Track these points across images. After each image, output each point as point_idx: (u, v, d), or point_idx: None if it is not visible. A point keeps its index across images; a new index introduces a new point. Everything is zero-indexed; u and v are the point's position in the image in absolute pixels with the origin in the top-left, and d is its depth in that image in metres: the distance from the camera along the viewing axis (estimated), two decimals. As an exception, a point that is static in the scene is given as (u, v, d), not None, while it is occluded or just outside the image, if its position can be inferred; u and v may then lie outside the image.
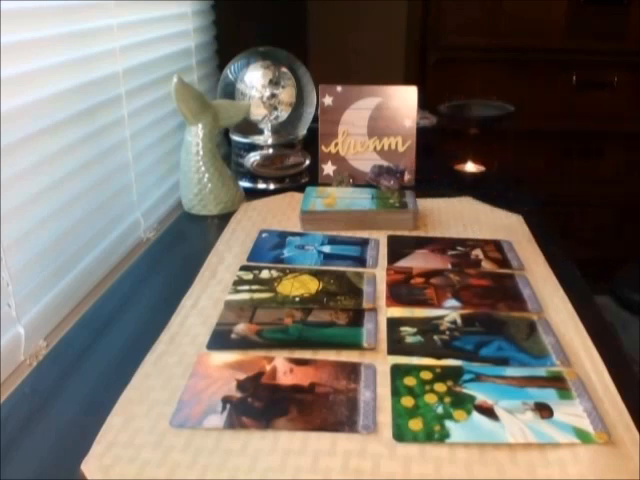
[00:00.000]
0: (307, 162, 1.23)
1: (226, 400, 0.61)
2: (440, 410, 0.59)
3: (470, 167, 1.25)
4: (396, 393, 0.62)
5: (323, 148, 1.21)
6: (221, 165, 1.09)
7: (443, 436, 0.56)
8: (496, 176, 1.25)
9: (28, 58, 0.75)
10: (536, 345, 0.70)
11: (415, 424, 0.57)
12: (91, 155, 0.90)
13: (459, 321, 0.75)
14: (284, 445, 0.56)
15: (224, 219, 1.06)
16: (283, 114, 1.21)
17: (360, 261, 0.90)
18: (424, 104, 1.42)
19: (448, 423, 0.58)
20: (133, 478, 0.52)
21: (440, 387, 0.63)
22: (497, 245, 0.95)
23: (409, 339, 0.71)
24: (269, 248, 0.95)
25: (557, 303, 0.79)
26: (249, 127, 1.21)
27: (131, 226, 1.03)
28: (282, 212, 1.09)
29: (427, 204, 1.10)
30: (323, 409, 0.60)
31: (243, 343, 0.71)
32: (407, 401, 0.61)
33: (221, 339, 0.71)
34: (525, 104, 1.50)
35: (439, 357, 0.68)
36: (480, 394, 0.61)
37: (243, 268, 0.88)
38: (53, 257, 0.80)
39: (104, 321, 0.77)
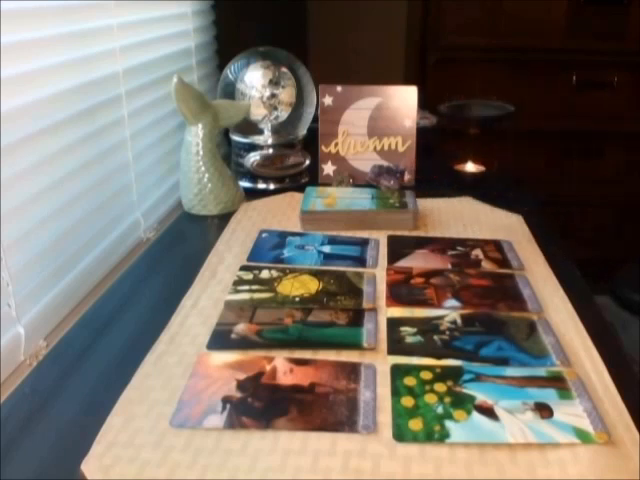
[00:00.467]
0: (307, 162, 1.23)
1: (226, 400, 0.61)
2: (440, 410, 0.59)
3: (470, 167, 1.25)
4: (396, 393, 0.62)
5: (323, 148, 1.21)
6: (221, 165, 1.09)
7: (443, 436, 0.56)
8: (496, 176, 1.25)
9: (28, 58, 0.75)
10: (536, 345, 0.70)
11: (415, 424, 0.57)
12: (91, 155, 0.90)
13: (459, 321, 0.75)
14: (284, 445, 0.56)
15: (224, 219, 1.06)
16: (283, 114, 1.21)
17: (360, 261, 0.90)
18: (424, 104, 1.42)
19: (448, 423, 0.58)
20: (133, 478, 0.52)
21: (440, 387, 0.63)
22: (497, 245, 0.95)
23: (409, 339, 0.71)
24: (269, 248, 0.95)
25: (557, 303, 0.79)
26: (249, 127, 1.21)
27: (131, 226, 1.03)
28: (282, 212, 1.09)
29: (427, 204, 1.10)
30: (323, 409, 0.60)
31: (243, 343, 0.71)
32: (407, 401, 0.61)
33: (221, 339, 0.71)
34: (525, 104, 1.50)
35: (439, 357, 0.68)
36: (480, 394, 0.61)
37: (243, 268, 0.88)
38: (53, 257, 0.81)
39: (104, 321, 0.77)
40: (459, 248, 0.94)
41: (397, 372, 0.65)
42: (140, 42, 1.05)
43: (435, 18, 2.00)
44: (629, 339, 1.56)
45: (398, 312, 0.77)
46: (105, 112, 0.94)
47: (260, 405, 0.60)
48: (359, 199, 1.07)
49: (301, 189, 1.13)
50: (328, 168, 1.22)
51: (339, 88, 1.20)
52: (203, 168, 1.06)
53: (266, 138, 1.20)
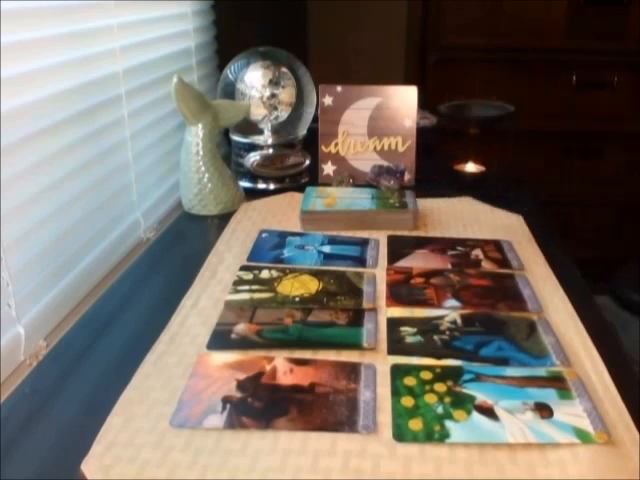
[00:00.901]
0: (307, 162, 1.23)
1: (226, 400, 0.61)
2: (440, 410, 0.59)
3: (470, 167, 1.25)
4: (396, 393, 0.62)
5: (323, 148, 1.21)
6: (221, 165, 1.09)
7: (443, 436, 0.56)
8: (496, 176, 1.25)
9: (28, 58, 0.75)
10: (536, 345, 0.70)
11: (415, 424, 0.57)
12: (91, 155, 0.90)
13: (459, 321, 0.75)
14: (284, 445, 0.56)
15: (224, 219, 1.06)
16: (283, 114, 1.21)
17: (360, 261, 0.90)
18: (424, 104, 1.42)
19: (448, 423, 0.58)
20: (133, 478, 0.52)
21: (440, 387, 0.63)
22: (497, 245, 0.95)
23: (409, 339, 0.71)
24: (269, 248, 0.95)
25: (557, 303, 0.79)
26: (249, 127, 1.21)
27: (131, 226, 1.03)
28: (282, 212, 1.09)
29: (427, 204, 1.10)
30: (323, 409, 0.60)
31: (243, 343, 0.71)
32: (407, 401, 0.61)
33: (221, 339, 0.71)
34: (525, 104, 1.50)
35: (439, 357, 0.68)
36: (480, 394, 0.61)
37: (243, 268, 0.88)
38: (53, 257, 0.81)
39: (104, 321, 0.77)
40: (459, 248, 0.94)
41: (397, 372, 0.65)
42: (140, 42, 1.05)
43: (435, 18, 2.00)
44: (629, 339, 1.56)
45: (398, 312, 0.77)
46: (105, 112, 0.94)
47: (260, 405, 0.60)
48: (359, 199, 1.07)
49: (301, 189, 1.13)
50: (328, 168, 1.22)
51: (339, 88, 1.20)
52: (203, 168, 1.06)
53: (266, 138, 1.20)
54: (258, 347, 0.70)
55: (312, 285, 0.83)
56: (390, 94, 1.20)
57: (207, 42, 1.41)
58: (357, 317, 0.75)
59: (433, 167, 1.25)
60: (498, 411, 0.59)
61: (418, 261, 0.90)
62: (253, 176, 1.20)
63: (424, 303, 0.79)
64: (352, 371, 0.65)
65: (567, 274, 0.87)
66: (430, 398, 0.61)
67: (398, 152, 1.21)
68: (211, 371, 0.66)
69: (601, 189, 2.11)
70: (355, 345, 0.70)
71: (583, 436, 0.56)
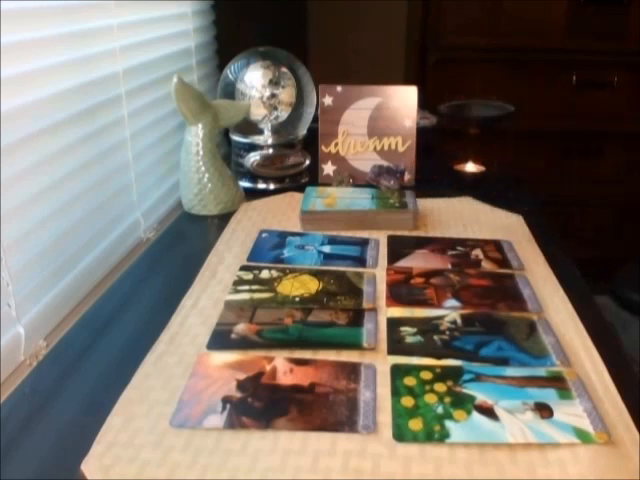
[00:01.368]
0: (307, 162, 1.23)
1: (226, 400, 0.61)
2: (440, 410, 0.59)
3: (470, 167, 1.25)
4: (396, 393, 0.62)
5: (323, 148, 1.21)
6: (221, 165, 1.09)
7: (443, 436, 0.56)
8: (496, 176, 1.25)
9: (28, 58, 0.75)
10: (536, 345, 0.70)
11: (415, 424, 0.57)
12: (91, 155, 0.90)
13: (459, 321, 0.75)
14: (284, 445, 0.56)
15: (224, 219, 1.06)
16: (283, 114, 1.21)
17: (360, 261, 0.90)
18: (424, 104, 1.42)
19: (448, 423, 0.58)
20: (133, 478, 0.52)
21: (440, 387, 0.63)
22: (497, 245, 0.95)
23: (409, 339, 0.71)
24: (269, 248, 0.95)
25: (557, 303, 0.79)
26: (249, 127, 1.21)
27: (131, 226, 1.03)
28: (282, 212, 1.09)
29: (427, 204, 1.10)
30: (323, 409, 0.60)
31: (243, 343, 0.71)
32: (407, 401, 0.61)
33: (221, 339, 0.71)
34: (525, 104, 1.50)
35: (439, 357, 0.68)
36: (480, 394, 0.61)
37: (243, 268, 0.88)
38: (53, 257, 0.81)
39: (104, 321, 0.77)
40: (459, 248, 0.94)
41: (397, 372, 0.65)
42: (140, 42, 1.05)
43: (435, 18, 2.00)
44: (629, 339, 1.56)
45: (398, 312, 0.77)
46: (105, 112, 0.94)
47: (260, 405, 0.60)
48: (359, 199, 1.07)
49: (301, 189, 1.13)
50: (328, 168, 1.22)
51: (339, 88, 1.20)
52: (203, 168, 1.06)
53: (266, 138, 1.20)
54: (258, 347, 0.70)
55: (312, 285, 0.83)
56: (390, 94, 1.20)
57: (207, 42, 1.41)
58: (357, 317, 0.75)
59: (433, 167, 1.25)
60: (498, 411, 0.59)
61: (418, 261, 0.90)
62: (253, 176, 1.20)
63: (424, 303, 0.79)
64: (352, 371, 0.65)
65: (567, 274, 0.87)
66: (430, 398, 0.61)
67: (398, 152, 1.21)
68: (211, 371, 0.66)
69: (601, 189, 2.11)
70: (355, 345, 0.70)
71: (583, 436, 0.56)
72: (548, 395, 0.61)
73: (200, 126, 1.06)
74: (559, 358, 0.67)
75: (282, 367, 0.66)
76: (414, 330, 0.73)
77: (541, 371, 0.65)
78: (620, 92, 2.01)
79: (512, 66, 2.01)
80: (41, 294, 0.78)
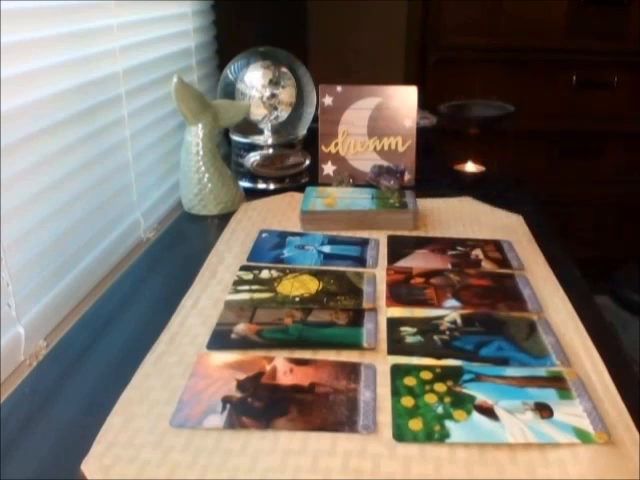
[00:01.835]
0: (307, 162, 1.23)
1: (226, 400, 0.61)
2: (440, 410, 0.59)
3: (470, 167, 1.25)
4: (396, 393, 0.62)
5: (323, 148, 1.21)
6: (221, 165, 1.09)
7: (443, 436, 0.56)
8: (496, 176, 1.25)
9: (28, 58, 0.75)
10: (536, 345, 0.70)
11: (415, 424, 0.57)
12: (91, 155, 0.90)
13: (459, 321, 0.75)
14: (284, 445, 0.56)
15: (224, 219, 1.06)
16: (283, 114, 1.21)
17: (360, 261, 0.90)
18: (424, 104, 1.42)
19: (448, 423, 0.58)
20: (133, 478, 0.52)
21: (440, 387, 0.63)
22: (497, 245, 0.95)
23: (409, 339, 0.71)
24: (269, 248, 0.95)
25: (557, 303, 0.79)
26: (249, 127, 1.21)
27: (131, 226, 1.03)
28: (282, 212, 1.09)
29: (427, 204, 1.10)
30: (323, 409, 0.60)
31: (243, 343, 0.71)
32: (407, 401, 0.61)
33: (221, 339, 0.71)
34: (525, 104, 1.50)
35: (439, 357, 0.68)
36: (480, 394, 0.61)
37: (243, 268, 0.88)
38: (53, 257, 0.81)
39: (104, 321, 0.77)
40: (459, 248, 0.94)
41: (397, 372, 0.65)
42: (140, 42, 1.05)
43: (435, 18, 2.00)
44: (629, 339, 1.56)
45: (398, 312, 0.77)
46: (105, 112, 0.94)
47: (260, 405, 0.60)
48: (359, 199, 1.07)
49: (301, 189, 1.13)
50: (328, 168, 1.22)
51: (339, 88, 1.20)
52: (203, 168, 1.06)
53: (266, 138, 1.20)
54: (258, 347, 0.70)
55: (312, 285, 0.83)
56: (390, 94, 1.20)
57: (207, 42, 1.41)
58: (357, 317, 0.75)
59: (433, 167, 1.25)
60: (498, 411, 0.59)
61: (418, 261, 0.90)
62: (253, 176, 1.20)
63: (424, 303, 0.79)
64: (352, 371, 0.65)
65: (567, 274, 0.87)
66: (430, 398, 0.61)
67: (398, 152, 1.21)
68: (211, 371, 0.66)
69: (601, 189, 2.11)
70: (355, 345, 0.70)
71: (583, 436, 0.56)
72: (548, 395, 0.61)
73: (200, 126, 1.06)
74: (559, 358, 0.67)
75: (282, 367, 0.66)
76: (414, 330, 0.73)
77: (541, 371, 0.65)
78: (620, 92, 2.01)
79: (512, 66, 2.01)
80: (41, 294, 0.78)
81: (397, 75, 2.12)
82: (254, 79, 1.18)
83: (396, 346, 0.70)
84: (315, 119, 1.23)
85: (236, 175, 1.19)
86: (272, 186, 1.20)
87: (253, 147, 1.20)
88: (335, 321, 0.75)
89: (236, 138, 1.22)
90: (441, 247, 0.94)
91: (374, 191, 1.11)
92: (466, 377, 0.64)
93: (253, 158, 1.18)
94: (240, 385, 0.63)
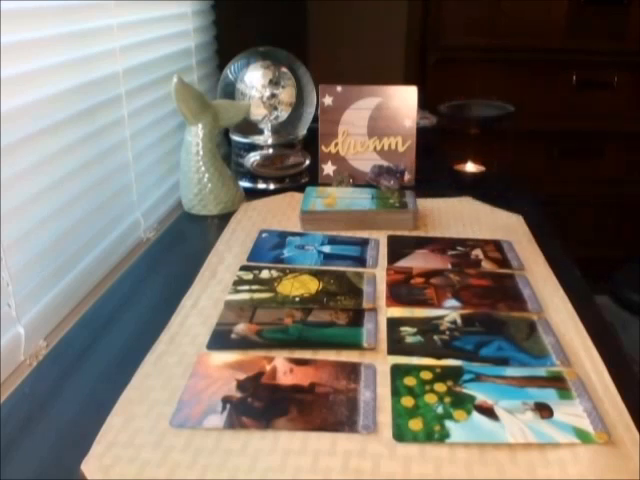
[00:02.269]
0: (307, 162, 1.23)
1: (226, 400, 0.61)
2: (440, 410, 0.59)
3: (470, 167, 1.25)
4: (396, 393, 0.62)
5: (323, 148, 1.21)
6: (221, 165, 1.09)
7: (443, 436, 0.56)
8: (496, 176, 1.25)
9: (28, 58, 0.75)
10: (536, 345, 0.70)
11: (415, 424, 0.57)
12: (91, 155, 0.90)
13: (459, 321, 0.75)
14: (284, 445, 0.56)
15: (224, 219, 1.06)
16: (283, 114, 1.21)
17: (360, 261, 0.90)
18: (424, 104, 1.42)
19: (448, 423, 0.58)
20: (133, 478, 0.52)
21: (440, 387, 0.63)
22: (497, 245, 0.95)
23: (409, 339, 0.71)
24: (269, 248, 0.95)
25: (557, 303, 0.79)
26: (249, 127, 1.21)
27: (131, 226, 1.03)
28: (282, 212, 1.09)
29: (427, 204, 1.10)
30: (323, 409, 0.60)
31: (243, 343, 0.71)
32: (407, 401, 0.61)
33: (221, 339, 0.71)
34: (525, 104, 1.50)
35: (439, 357, 0.68)
36: (480, 394, 0.61)
37: (243, 268, 0.88)
38: (53, 257, 0.80)
39: (104, 321, 0.77)
40: (459, 248, 0.94)
41: (397, 372, 0.65)
42: (140, 42, 1.05)
43: (435, 18, 2.00)
44: (629, 339, 1.56)
45: (398, 312, 0.77)
46: (105, 112, 0.94)
47: (260, 405, 0.60)
48: (359, 199, 1.07)
49: (301, 189, 1.13)
50: (328, 168, 1.22)
51: (339, 88, 1.20)
52: (203, 168, 1.06)
53: (266, 138, 1.20)
54: (258, 347, 0.70)
55: (312, 285, 0.83)
56: (390, 94, 1.20)
57: (207, 42, 1.41)
58: (357, 317, 0.75)
59: (433, 167, 1.25)
60: (498, 411, 0.59)
61: (418, 261, 0.90)
62: (253, 176, 1.20)
63: (424, 303, 0.79)
64: (352, 371, 0.65)
65: (567, 274, 0.87)
66: (430, 398, 0.61)
67: (398, 152, 1.21)
68: (211, 371, 0.66)
69: (601, 189, 2.11)
70: (355, 345, 0.70)
71: (583, 436, 0.56)
72: (548, 395, 0.61)
73: (200, 126, 1.06)
74: (559, 358, 0.67)
75: (282, 367, 0.66)
76: (414, 330, 0.73)
77: (541, 371, 0.65)
78: (620, 92, 2.01)
79: (512, 66, 2.01)
80: (41, 294, 0.78)
81: (397, 75, 2.12)
82: (254, 79, 1.18)
83: (396, 346, 0.70)
84: (315, 119, 1.23)
85: (236, 175, 1.19)
86: (272, 186, 1.20)
87: (253, 147, 1.20)
88: (335, 321, 0.75)
89: (236, 138, 1.22)
90: (441, 247, 0.94)
91: (374, 191, 1.11)
92: (466, 377, 0.64)
93: (253, 158, 1.18)
94: (240, 385, 0.63)
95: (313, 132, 1.24)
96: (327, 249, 0.94)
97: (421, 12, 2.04)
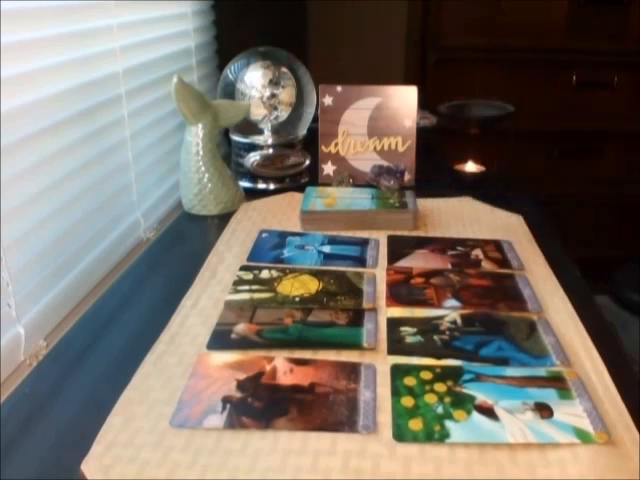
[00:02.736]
0: (307, 162, 1.23)
1: (226, 400, 0.61)
2: (440, 410, 0.59)
3: (470, 167, 1.25)
4: (396, 393, 0.62)
5: (323, 148, 1.21)
6: (221, 165, 1.09)
7: (443, 436, 0.56)
8: (496, 176, 1.25)
9: (28, 58, 0.75)
10: (536, 345, 0.70)
11: (415, 424, 0.57)
12: (91, 155, 0.90)
13: (459, 321, 0.75)
14: (284, 445, 0.56)
15: (224, 219, 1.07)
16: (283, 114, 1.21)
17: (360, 261, 0.90)
18: (424, 104, 1.42)
19: (448, 423, 0.58)
20: (133, 478, 0.52)
21: (440, 387, 0.63)
22: (497, 245, 0.95)
23: (409, 339, 0.71)
24: (269, 248, 0.95)
25: (557, 303, 0.79)
26: (249, 127, 1.21)
27: (131, 226, 1.03)
28: (282, 212, 1.09)
29: (427, 204, 1.10)
30: (323, 409, 0.60)
31: (243, 343, 0.71)
32: (407, 401, 0.61)
33: (221, 339, 0.71)
34: (525, 104, 1.50)
35: (439, 357, 0.68)
36: (480, 394, 0.61)
37: (243, 268, 0.88)
38: (53, 257, 0.80)
39: (104, 321, 0.77)
40: (459, 248, 0.94)
41: (397, 372, 0.65)
42: (140, 42, 1.05)
43: (435, 18, 2.00)
44: (629, 339, 1.56)
45: (398, 312, 0.77)
46: (105, 112, 0.94)
47: (260, 405, 0.60)
48: (359, 199, 1.07)
49: (301, 189, 1.13)
50: (328, 168, 1.22)
51: (339, 88, 1.20)
52: (203, 168, 1.06)
53: (266, 138, 1.20)
54: (258, 347, 0.70)
55: (312, 285, 0.83)
56: (390, 94, 1.20)
57: (207, 42, 1.41)
58: (357, 317, 0.75)
59: (433, 167, 1.25)
60: (498, 411, 0.59)
61: (418, 261, 0.90)
62: (253, 176, 1.20)
63: (424, 303, 0.79)
64: (352, 371, 0.65)
65: (567, 274, 0.87)
66: (430, 398, 0.61)
67: (398, 152, 1.21)
68: (211, 371, 0.66)
69: (601, 189, 2.11)
70: (355, 345, 0.70)
71: (583, 436, 0.56)
72: (548, 395, 0.61)
73: (200, 126, 1.06)
74: (559, 358, 0.67)
75: (282, 367, 0.66)
76: (414, 330, 0.73)
77: (541, 371, 0.65)
78: (620, 92, 2.01)
79: (512, 66, 2.01)
80: (41, 294, 0.78)
81: (397, 75, 2.12)
82: (254, 79, 1.18)
83: (396, 346, 0.70)
84: (315, 119, 1.23)
85: (236, 175, 1.19)
86: (272, 186, 1.20)
87: (253, 147, 1.20)
88: (335, 321, 0.75)
89: (236, 138, 1.22)
90: (441, 247, 0.94)
91: (374, 191, 1.11)
92: (466, 377, 0.64)
93: (253, 158, 1.18)
94: (240, 385, 0.63)
95: (313, 132, 1.24)
96: (327, 249, 0.94)
97: (421, 12, 2.04)
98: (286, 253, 0.93)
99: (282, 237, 0.98)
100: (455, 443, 0.56)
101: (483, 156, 1.26)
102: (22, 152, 0.73)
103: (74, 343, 0.74)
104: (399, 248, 0.94)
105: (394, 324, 0.74)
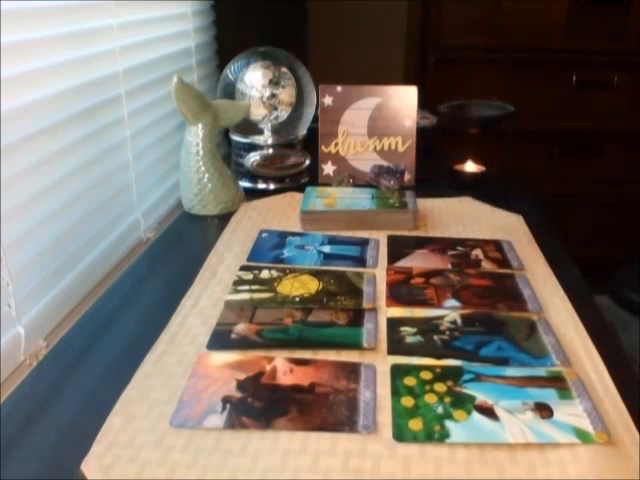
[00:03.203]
0: (307, 162, 1.23)
1: (226, 400, 0.61)
2: (440, 410, 0.59)
3: (470, 167, 1.25)
4: (396, 393, 0.62)
5: (323, 148, 1.21)
6: (221, 165, 1.09)
7: (443, 436, 0.56)
8: (496, 176, 1.25)
9: (28, 58, 0.75)
10: (536, 345, 0.70)
11: (415, 424, 0.57)
12: (91, 155, 0.90)
13: (459, 321, 0.75)
14: (284, 445, 0.56)
15: (224, 219, 1.07)
16: (283, 114, 1.21)
17: (360, 261, 0.90)
18: (424, 104, 1.42)
19: (448, 423, 0.58)
20: (133, 478, 0.52)
21: (440, 387, 0.63)
22: (497, 245, 0.95)
23: (409, 339, 0.71)
24: (269, 248, 0.95)
25: (557, 303, 0.79)
26: (249, 127, 1.21)
27: (131, 226, 1.03)
28: (282, 212, 1.09)
29: (427, 204, 1.10)
30: (323, 409, 0.60)
31: (243, 343, 0.71)
32: (407, 401, 0.61)
33: (221, 339, 0.71)
34: (525, 104, 1.49)
35: (439, 357, 0.68)
36: (480, 394, 0.61)
37: (243, 268, 0.88)
38: (53, 257, 0.81)
39: (104, 321, 0.77)
40: (459, 248, 0.94)
41: (397, 372, 0.65)
42: (140, 42, 1.05)
43: (435, 18, 2.00)
44: (629, 339, 1.56)
45: (398, 312, 0.77)
46: (105, 112, 0.94)
47: (260, 405, 0.60)
48: (359, 199, 1.07)
49: (301, 189, 1.13)
50: (328, 168, 1.22)
51: (339, 88, 1.20)
52: (203, 168, 1.06)
53: (266, 138, 1.20)
54: (258, 347, 0.70)
55: (312, 285, 0.83)
56: (390, 94, 1.20)
57: (207, 42, 1.41)
58: (357, 317, 0.75)
59: (433, 167, 1.25)
60: (498, 411, 0.59)
61: (418, 261, 0.90)
62: (253, 176, 1.20)
63: (424, 303, 0.79)
64: (352, 371, 0.65)
65: (567, 274, 0.87)
66: (430, 398, 0.61)
67: (398, 152, 1.21)
68: (211, 371, 0.66)
69: (601, 189, 2.11)
70: (355, 345, 0.70)
71: (583, 436, 0.56)
72: (548, 395, 0.61)
73: (200, 126, 1.06)
74: (559, 358, 0.67)
75: (282, 367, 0.66)
76: (414, 330, 0.73)
77: (541, 371, 0.65)
78: (620, 92, 2.01)
79: (512, 66, 2.01)
80: (41, 294, 0.78)
81: (397, 75, 2.12)
82: (254, 79, 1.18)
83: (396, 346, 0.70)
84: (315, 119, 1.23)
85: (236, 175, 1.19)
86: (272, 186, 1.20)
87: (253, 147, 1.20)
88: (335, 321, 0.75)
89: (236, 138, 1.22)
90: (441, 247, 0.94)
91: (374, 191, 1.11)
92: (466, 377, 0.64)
93: (253, 158, 1.18)
94: (240, 385, 0.63)
95: (313, 132, 1.24)
96: (327, 249, 0.94)
97: (421, 12, 2.04)
98: (286, 253, 0.93)
99: (282, 237, 0.98)
100: (455, 443, 0.56)
101: (483, 156, 1.26)
102: (22, 152, 0.73)
103: (74, 343, 0.74)
104: (399, 248, 0.94)
105: (394, 324, 0.74)
